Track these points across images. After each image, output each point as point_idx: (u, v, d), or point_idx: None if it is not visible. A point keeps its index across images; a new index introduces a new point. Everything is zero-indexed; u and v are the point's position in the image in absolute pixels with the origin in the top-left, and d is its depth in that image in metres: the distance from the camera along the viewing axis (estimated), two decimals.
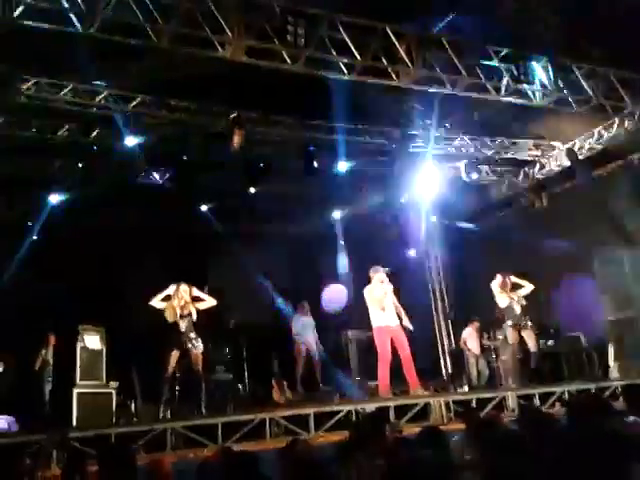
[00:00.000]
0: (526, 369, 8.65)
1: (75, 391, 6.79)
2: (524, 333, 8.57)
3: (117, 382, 7.45)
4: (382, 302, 7.77)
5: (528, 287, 8.69)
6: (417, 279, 13.58)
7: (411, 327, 7.91)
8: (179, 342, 7.14)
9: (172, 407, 7.11)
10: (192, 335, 7.24)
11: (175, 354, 7.12)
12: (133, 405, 8.28)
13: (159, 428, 5.82)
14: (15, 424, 6.71)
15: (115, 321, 8.02)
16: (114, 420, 6.99)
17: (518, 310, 8.61)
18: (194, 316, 7.29)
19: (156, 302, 7.24)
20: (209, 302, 7.44)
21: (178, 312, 7.20)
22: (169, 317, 7.18)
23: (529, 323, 8.63)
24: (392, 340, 7.74)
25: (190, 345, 7.18)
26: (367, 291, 7.94)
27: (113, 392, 7.26)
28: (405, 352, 7.75)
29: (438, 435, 3.25)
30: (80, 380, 7.01)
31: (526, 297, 8.71)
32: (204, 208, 10.83)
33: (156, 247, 9.89)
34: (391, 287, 7.94)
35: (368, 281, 8.01)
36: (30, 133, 8.35)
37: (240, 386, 9.66)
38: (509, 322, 8.63)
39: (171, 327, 7.17)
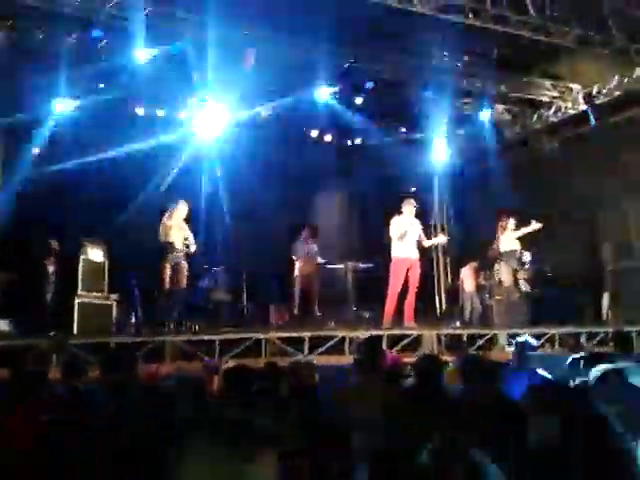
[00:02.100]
0: (520, 309, 8.83)
1: (76, 301, 6.88)
2: (519, 275, 8.73)
3: (117, 295, 7.57)
4: (405, 234, 7.86)
5: (534, 225, 8.74)
6: (418, 214, 13.58)
7: (444, 240, 9.07)
8: (171, 258, 7.38)
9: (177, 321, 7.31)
10: (182, 256, 7.49)
11: (168, 269, 7.36)
12: (133, 318, 8.45)
13: (158, 340, 5.99)
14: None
15: (118, 236, 8.05)
16: (114, 331, 7.15)
17: (517, 253, 8.73)
18: (190, 237, 7.41)
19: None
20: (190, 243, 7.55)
21: (176, 231, 7.33)
22: (170, 236, 7.29)
23: (526, 266, 8.78)
24: (407, 272, 7.88)
25: (180, 262, 7.41)
26: (393, 222, 8.06)
27: (114, 304, 7.38)
28: (415, 284, 7.96)
29: (434, 363, 3.34)
30: (81, 291, 7.09)
31: (526, 237, 8.79)
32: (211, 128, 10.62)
33: (161, 164, 9.79)
34: (417, 221, 8.10)
35: (399, 212, 8.13)
36: (35, 40, 8.11)
37: (239, 307, 9.82)
38: (506, 263, 8.76)
39: (166, 243, 7.33)
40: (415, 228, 8.00)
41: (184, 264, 7.56)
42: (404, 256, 7.86)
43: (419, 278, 7.99)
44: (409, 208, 8.03)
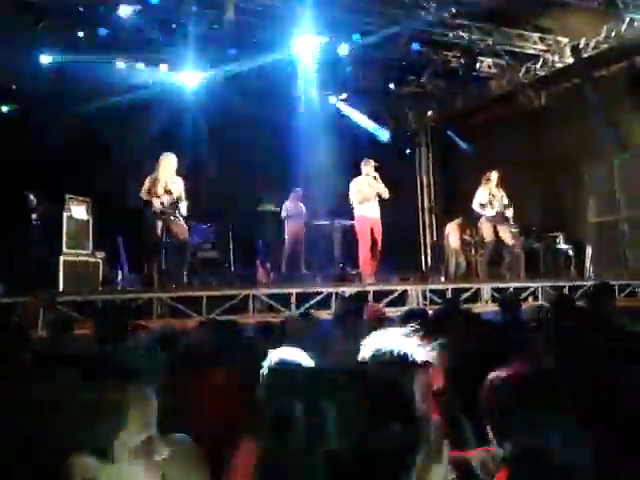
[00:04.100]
0: (502, 264, 8.95)
1: (62, 258, 6.84)
2: (500, 229, 8.79)
3: (103, 252, 7.52)
4: (366, 194, 8.00)
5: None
6: (404, 172, 13.62)
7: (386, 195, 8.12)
8: (160, 213, 6.99)
9: (161, 278, 7.19)
10: (173, 210, 7.08)
11: (158, 225, 6.99)
12: (120, 275, 8.44)
13: (145, 297, 6.00)
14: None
15: (102, 192, 7.96)
16: (100, 288, 7.13)
17: (497, 207, 8.76)
18: (180, 192, 7.11)
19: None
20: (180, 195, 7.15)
21: (163, 184, 7.01)
22: (148, 189, 7.00)
23: (508, 220, 8.86)
24: (372, 230, 8.04)
25: (171, 217, 7.05)
26: (352, 183, 8.20)
27: (100, 261, 7.34)
28: (378, 243, 8.09)
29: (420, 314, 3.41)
30: (66, 249, 7.04)
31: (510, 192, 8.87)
32: (194, 81, 10.45)
33: (144, 119, 9.62)
34: (377, 181, 8.11)
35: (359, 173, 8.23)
36: None
37: (225, 264, 9.84)
38: (485, 218, 8.84)
39: (151, 198, 7.00)
40: (373, 187, 8.06)
41: (178, 219, 7.11)
42: (366, 215, 8.04)
43: (380, 239, 8.11)
44: (368, 168, 8.12)
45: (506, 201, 8.83)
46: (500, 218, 8.79)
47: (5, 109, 9.10)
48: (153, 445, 1.14)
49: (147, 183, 7.04)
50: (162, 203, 6.99)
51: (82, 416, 1.07)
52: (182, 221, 7.23)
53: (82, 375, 1.12)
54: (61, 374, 1.12)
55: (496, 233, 8.80)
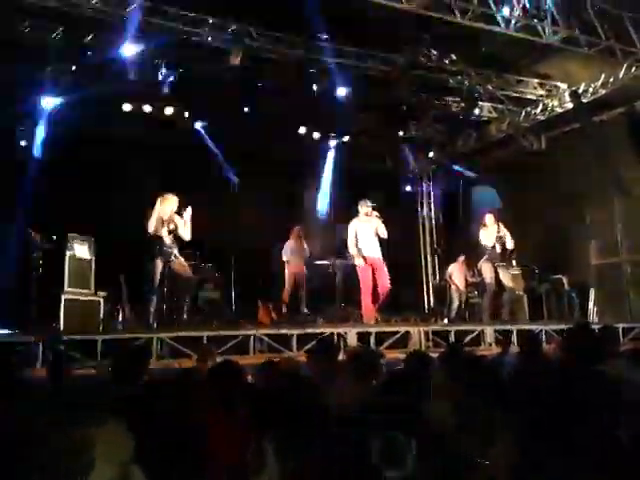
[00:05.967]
0: (501, 307, 8.90)
1: (63, 297, 6.82)
2: (500, 271, 8.76)
3: (105, 292, 7.49)
4: (362, 235, 8.01)
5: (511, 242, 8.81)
6: (406, 213, 13.72)
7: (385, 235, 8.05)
8: (162, 253, 6.96)
9: (160, 317, 7.15)
10: (174, 250, 7.08)
11: (159, 265, 6.94)
12: (121, 314, 8.38)
13: (146, 337, 5.95)
14: None
15: (104, 231, 7.98)
16: (101, 328, 7.08)
17: (498, 249, 8.76)
18: (180, 231, 7.10)
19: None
20: (186, 232, 7.16)
21: (165, 225, 7.01)
22: (154, 228, 6.96)
23: (510, 262, 8.84)
24: (373, 271, 7.98)
25: (172, 258, 7.04)
26: (351, 223, 8.19)
27: (101, 301, 7.32)
28: (384, 284, 7.99)
29: (423, 357, 3.40)
30: (68, 287, 7.03)
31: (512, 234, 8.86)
32: (198, 125, 10.64)
33: (148, 160, 9.73)
34: (376, 221, 8.09)
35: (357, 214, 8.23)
36: (23, 34, 8.05)
37: (227, 304, 9.80)
38: (486, 259, 8.83)
39: (154, 238, 6.97)
40: (372, 227, 8.05)
41: (179, 259, 7.14)
42: (365, 255, 7.99)
43: (388, 278, 8.01)
44: (364, 209, 8.11)
45: (509, 243, 8.83)
46: (501, 259, 8.78)
47: (24, 144, 9.29)
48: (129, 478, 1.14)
49: (155, 221, 7.02)
50: (166, 244, 6.98)
51: (51, 458, 1.08)
52: (182, 260, 7.24)
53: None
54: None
55: (497, 275, 8.78)
